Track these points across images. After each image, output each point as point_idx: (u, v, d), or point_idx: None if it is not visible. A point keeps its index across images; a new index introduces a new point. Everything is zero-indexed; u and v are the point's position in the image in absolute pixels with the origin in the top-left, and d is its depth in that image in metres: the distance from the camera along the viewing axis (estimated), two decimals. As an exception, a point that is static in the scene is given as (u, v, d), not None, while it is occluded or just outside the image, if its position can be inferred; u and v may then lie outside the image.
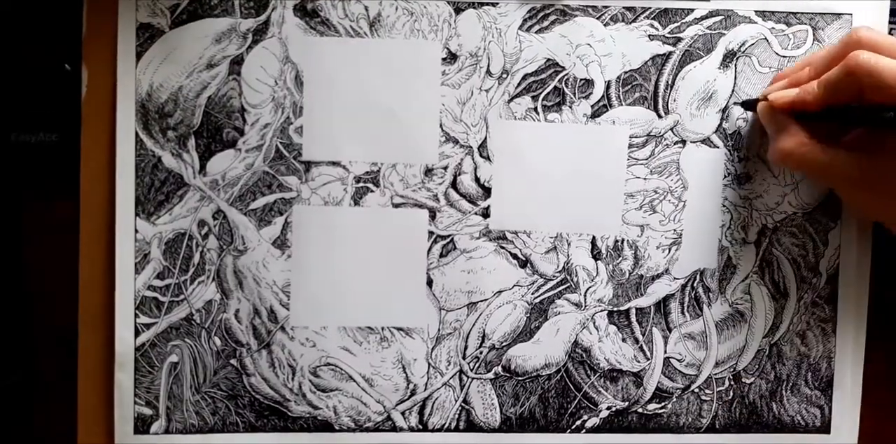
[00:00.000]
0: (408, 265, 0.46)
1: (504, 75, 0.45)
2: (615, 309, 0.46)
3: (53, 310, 0.46)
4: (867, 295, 0.46)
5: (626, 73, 0.45)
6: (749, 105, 0.45)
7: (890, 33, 0.45)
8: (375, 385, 0.46)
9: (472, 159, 0.46)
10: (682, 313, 0.46)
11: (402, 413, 0.46)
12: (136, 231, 0.45)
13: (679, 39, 0.45)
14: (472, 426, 0.46)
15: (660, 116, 0.46)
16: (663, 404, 0.46)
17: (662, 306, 0.46)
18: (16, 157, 0.46)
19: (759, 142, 0.45)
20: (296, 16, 0.45)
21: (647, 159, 0.46)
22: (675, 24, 0.45)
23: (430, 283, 0.46)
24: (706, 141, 0.46)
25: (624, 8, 0.45)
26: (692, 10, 0.45)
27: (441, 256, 0.46)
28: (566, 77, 0.45)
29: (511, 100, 0.45)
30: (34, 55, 0.46)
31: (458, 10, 0.45)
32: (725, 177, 0.46)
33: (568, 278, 0.46)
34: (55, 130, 0.46)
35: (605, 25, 0.45)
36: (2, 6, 0.45)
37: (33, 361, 0.47)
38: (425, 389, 0.46)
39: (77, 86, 0.44)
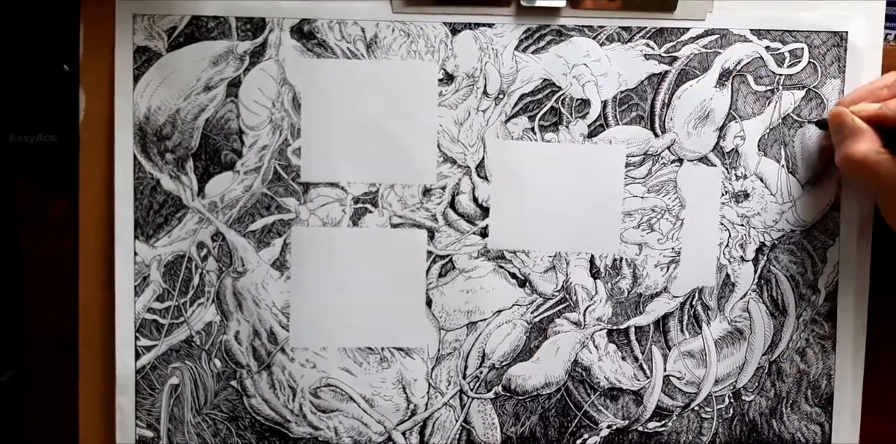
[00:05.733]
0: (407, 285, 0.46)
1: (501, 96, 0.45)
2: (614, 328, 0.46)
3: (51, 314, 0.46)
4: (866, 312, 0.46)
5: (622, 92, 0.45)
6: (823, 124, 0.45)
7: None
8: (376, 406, 0.46)
9: (470, 179, 0.46)
10: (682, 331, 0.46)
11: (403, 433, 0.46)
12: (136, 254, 0.45)
13: (675, 58, 0.45)
14: (472, 446, 0.46)
15: (656, 135, 0.46)
16: (664, 422, 0.46)
17: (661, 324, 0.46)
18: (14, 157, 0.46)
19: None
20: (293, 38, 0.45)
21: (644, 178, 0.46)
22: (671, 44, 0.45)
23: (429, 303, 0.46)
24: (703, 159, 0.46)
25: (620, 28, 0.45)
26: (688, 30, 0.45)
27: (440, 275, 0.46)
28: (563, 97, 0.45)
29: (508, 120, 0.45)
30: (31, 55, 0.45)
31: (454, 31, 0.45)
32: (723, 195, 0.46)
33: (567, 296, 0.46)
34: (54, 130, 0.46)
35: (600, 45, 0.45)
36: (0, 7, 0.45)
37: (29, 361, 0.47)
38: (426, 409, 0.46)
39: (75, 85, 0.44)
